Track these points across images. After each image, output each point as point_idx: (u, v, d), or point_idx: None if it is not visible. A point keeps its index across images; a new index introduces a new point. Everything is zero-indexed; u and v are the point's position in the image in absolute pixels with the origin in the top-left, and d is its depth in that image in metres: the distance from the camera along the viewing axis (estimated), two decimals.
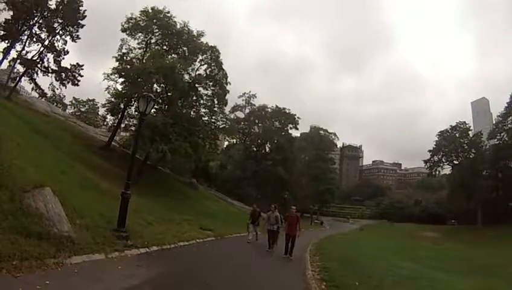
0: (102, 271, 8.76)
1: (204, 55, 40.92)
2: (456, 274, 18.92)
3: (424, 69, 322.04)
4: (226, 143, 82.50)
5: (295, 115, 72.31)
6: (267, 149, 73.12)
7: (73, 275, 7.86)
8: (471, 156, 75.99)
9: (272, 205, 19.92)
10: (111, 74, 38.17)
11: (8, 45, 39.30)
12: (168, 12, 40.99)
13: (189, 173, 46.61)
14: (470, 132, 79.08)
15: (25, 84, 45.32)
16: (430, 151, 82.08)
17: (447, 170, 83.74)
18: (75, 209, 11.53)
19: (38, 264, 7.63)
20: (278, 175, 66.35)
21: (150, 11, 40.67)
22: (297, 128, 74.45)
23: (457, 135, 78.44)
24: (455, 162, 78.50)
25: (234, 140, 75.29)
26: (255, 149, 72.68)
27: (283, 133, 71.37)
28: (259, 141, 72.60)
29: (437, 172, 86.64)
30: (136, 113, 35.54)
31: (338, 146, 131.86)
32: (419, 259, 27.17)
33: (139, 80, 35.39)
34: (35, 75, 42.73)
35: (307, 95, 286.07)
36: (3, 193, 9.27)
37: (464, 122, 79.97)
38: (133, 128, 38.68)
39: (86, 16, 42.56)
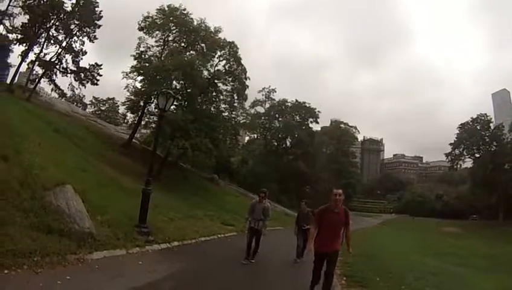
0: (123, 266, 8.77)
1: (223, 51, 40.92)
2: (477, 271, 18.65)
3: (442, 62, 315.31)
4: (247, 138, 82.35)
5: (315, 108, 71.70)
6: (288, 144, 72.61)
7: (94, 271, 7.90)
8: (492, 149, 73.59)
9: (302, 200, 15.93)
10: (130, 73, 38.68)
11: (26, 48, 39.72)
12: (185, 9, 41.12)
13: (210, 168, 46.65)
14: (491, 124, 76.49)
15: (45, 85, 45.83)
16: (451, 144, 79.79)
17: (468, 163, 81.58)
18: (97, 206, 11.65)
19: (59, 260, 7.66)
20: (299, 170, 66.06)
21: (167, 9, 40.83)
22: (317, 122, 73.68)
23: (478, 127, 75.79)
24: (476, 155, 76.15)
25: (255, 135, 75.09)
26: (275, 144, 72.22)
27: (303, 127, 70.70)
28: (279, 135, 72.12)
29: (458, 165, 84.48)
30: (156, 110, 35.73)
31: (359, 140, 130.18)
32: (441, 255, 26.88)
33: (158, 77, 35.55)
34: (54, 76, 43.14)
35: (326, 91, 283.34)
36: (24, 191, 9.44)
37: (485, 114, 77.37)
38: (153, 125, 38.97)
39: (102, 17, 42.83)
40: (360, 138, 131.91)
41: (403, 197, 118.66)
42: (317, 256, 7.90)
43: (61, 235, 8.64)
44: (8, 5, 38.77)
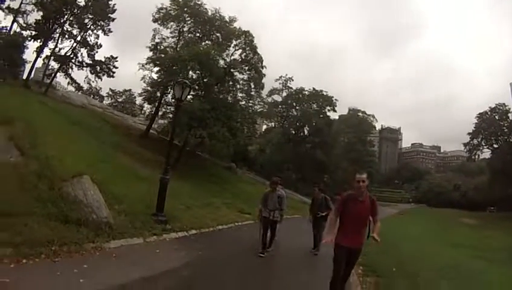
0: (140, 255, 8.89)
1: (238, 40, 40.62)
2: (496, 264, 18.38)
3: (461, 51, 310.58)
4: (265, 127, 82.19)
5: (332, 97, 70.80)
6: (306, 132, 71.97)
7: (111, 259, 8.03)
8: (511, 140, 71.47)
9: (315, 185, 14.90)
10: (146, 64, 38.67)
11: (41, 43, 40.18)
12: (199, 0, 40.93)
13: (228, 157, 46.70)
14: (509, 114, 73.55)
15: (61, 79, 46.50)
16: (469, 134, 77.72)
17: (486, 153, 79.44)
18: (115, 195, 11.80)
19: (76, 249, 7.83)
20: (317, 158, 65.67)
21: (180, 0, 40.74)
22: (335, 111, 72.43)
23: (496, 117, 73.44)
24: (495, 145, 73.98)
25: (272, 123, 74.88)
26: (293, 132, 71.65)
27: (321, 116, 69.86)
28: (297, 124, 71.54)
29: (476, 156, 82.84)
30: (173, 100, 35.85)
31: (376, 128, 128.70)
32: (458, 246, 26.60)
33: (174, 68, 35.44)
34: (70, 70, 43.74)
35: (343, 79, 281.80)
36: (42, 183, 9.63)
37: (503, 104, 74.31)
38: (170, 115, 39.03)
39: (115, 10, 43.07)
40: (377, 126, 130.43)
41: (420, 187, 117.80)
42: (339, 249, 6.65)
43: (79, 224, 8.80)
44: (21, 2, 39.35)
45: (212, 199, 23.69)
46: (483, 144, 76.41)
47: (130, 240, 9.67)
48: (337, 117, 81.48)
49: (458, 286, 10.05)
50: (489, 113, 74.61)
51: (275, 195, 11.33)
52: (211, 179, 34.75)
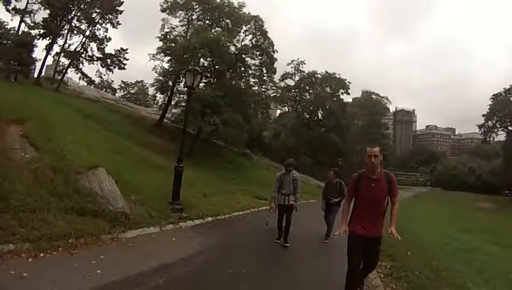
0: (157, 243, 8.97)
1: (248, 26, 40.46)
2: (509, 248, 18.24)
3: (474, 32, 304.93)
4: (279, 112, 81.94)
5: (345, 79, 69.96)
6: (320, 116, 71.43)
7: (128, 249, 8.14)
8: None
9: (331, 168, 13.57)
10: (156, 54, 38.79)
11: (50, 41, 40.69)
12: None
13: (242, 143, 46.71)
14: None
15: (72, 75, 46.90)
16: (483, 115, 76.62)
17: (501, 136, 78.47)
18: (130, 186, 11.88)
19: (93, 240, 7.94)
20: (331, 142, 65.30)
21: None
22: (348, 94, 71.51)
23: (511, 98, 72.50)
24: (510, 128, 72.80)
25: (286, 108, 74.60)
26: (307, 116, 71.19)
27: (335, 99, 69.11)
28: (311, 108, 71.01)
29: (491, 138, 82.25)
30: (185, 88, 35.94)
31: (391, 111, 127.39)
32: (473, 231, 26.49)
33: (185, 56, 35.51)
34: (80, 65, 44.17)
35: (356, 61, 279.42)
36: (57, 177, 9.77)
37: None
38: (183, 104, 39.15)
39: (123, 2, 43.22)
40: (392, 109, 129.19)
41: (435, 170, 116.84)
42: (353, 240, 5.70)
43: (95, 216, 8.93)
44: (27, 2, 39.77)
45: (227, 186, 23.83)
46: (498, 126, 75.44)
47: (147, 230, 9.76)
48: (350, 100, 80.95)
49: (472, 271, 9.95)
50: (503, 94, 73.57)
51: (289, 178, 10.65)
52: (226, 165, 34.89)
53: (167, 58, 38.50)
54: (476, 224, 31.72)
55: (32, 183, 9.15)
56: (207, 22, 41.00)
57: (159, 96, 45.50)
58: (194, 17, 41.60)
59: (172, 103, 42.85)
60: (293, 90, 69.83)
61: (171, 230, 10.56)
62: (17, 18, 40.01)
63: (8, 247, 6.63)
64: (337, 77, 69.47)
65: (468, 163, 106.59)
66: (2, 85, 25.71)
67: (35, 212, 7.97)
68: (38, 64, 41.29)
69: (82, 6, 41.11)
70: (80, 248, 7.45)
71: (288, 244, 10.34)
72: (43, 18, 40.20)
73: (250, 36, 40.79)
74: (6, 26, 41.19)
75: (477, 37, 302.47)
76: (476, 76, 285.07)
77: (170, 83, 39.17)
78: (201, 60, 35.95)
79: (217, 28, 39.85)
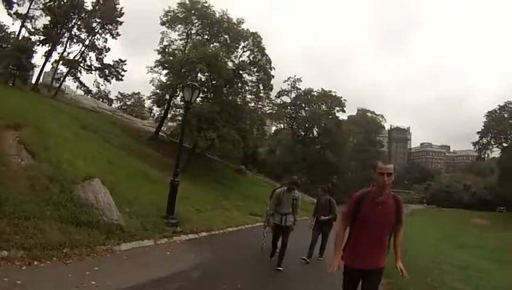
0: (151, 257, 8.93)
1: (246, 42, 40.69)
2: (507, 265, 18.25)
3: (468, 49, 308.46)
4: (274, 128, 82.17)
5: (341, 97, 70.48)
6: (315, 133, 71.90)
7: (122, 261, 8.12)
8: None
9: (320, 186, 12.71)
10: (154, 67, 39.31)
11: (49, 48, 40.65)
12: (206, 2, 40.99)
13: (237, 159, 46.72)
14: None
15: (70, 83, 46.81)
16: (478, 132, 77.94)
17: (496, 152, 79.40)
18: (125, 198, 11.92)
19: (88, 251, 7.93)
20: (326, 159, 65.53)
21: (188, 2, 40.83)
22: (344, 111, 72.04)
23: (506, 115, 73.36)
24: (504, 144, 73.86)
25: (282, 125, 74.90)
26: (302, 133, 71.44)
27: (330, 117, 69.57)
28: (306, 125, 71.31)
29: (486, 155, 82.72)
30: (182, 102, 36.05)
31: (386, 128, 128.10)
32: (468, 247, 26.55)
33: (182, 70, 35.78)
34: (78, 74, 44.18)
35: (351, 79, 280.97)
36: (53, 186, 9.77)
37: None
38: (179, 118, 39.25)
39: (123, 13, 43.33)
40: (386, 126, 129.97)
41: (430, 187, 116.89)
42: (348, 275, 4.82)
43: (90, 227, 8.90)
44: (29, 8, 39.84)
45: (222, 201, 23.81)
46: (493, 143, 76.62)
47: (141, 243, 9.76)
48: (346, 118, 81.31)
49: (468, 287, 9.93)
50: (498, 111, 74.74)
51: (290, 196, 9.72)
52: (221, 181, 34.84)
53: (165, 71, 38.82)
54: (471, 240, 31.73)
55: (28, 190, 9.14)
56: (206, 36, 41.28)
57: (156, 109, 45.63)
58: (193, 32, 41.92)
59: (169, 116, 42.79)
60: (288, 107, 70.23)
61: (166, 244, 10.53)
62: (18, 23, 40.13)
63: (1, 253, 6.63)
64: (333, 94, 70.03)
65: (463, 180, 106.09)
66: (0, 89, 25.74)
67: (30, 220, 7.96)
68: (37, 71, 41.31)
69: (83, 15, 41.26)
70: (74, 258, 7.44)
71: (281, 269, 9.30)
72: (43, 24, 40.31)
73: (248, 52, 41.00)
74: (6, 30, 41.83)
75: (472, 55, 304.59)
76: (471, 93, 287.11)
77: (167, 97, 39.23)
78: (199, 74, 36.11)
79: (215, 43, 40.10)
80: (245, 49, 40.92)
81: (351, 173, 75.89)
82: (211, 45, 39.13)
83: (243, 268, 9.45)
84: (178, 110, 40.20)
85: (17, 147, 11.31)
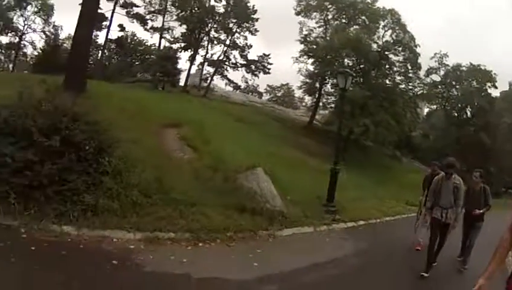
0: (311, 242, 9.21)
1: (386, 20, 38.82)
2: None
3: None
4: (426, 110, 77.62)
5: (491, 71, 63.46)
6: (468, 114, 66.34)
7: (283, 245, 8.47)
8: None
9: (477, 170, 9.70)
10: (299, 57, 39.52)
11: (192, 52, 43.06)
12: None
13: (392, 145, 45.16)
14: None
15: (217, 81, 48.82)
16: None
17: None
18: (286, 186, 12.20)
19: (251, 235, 8.43)
20: (480, 142, 59.75)
21: None
22: (496, 87, 64.38)
23: None
24: None
25: (434, 106, 70.53)
26: (455, 114, 66.58)
27: (482, 94, 63.62)
28: (459, 105, 66.06)
29: None
30: (333, 90, 36.10)
31: None
32: None
33: (328, 57, 35.68)
34: (225, 72, 46.26)
35: (498, 49, 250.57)
36: (217, 176, 10.53)
37: None
38: (332, 105, 39.19)
39: (256, 10, 43.55)
40: None
41: None
42: None
43: (254, 213, 9.37)
44: (163, 21, 43.50)
45: (378, 190, 23.23)
46: None
47: (302, 229, 10.03)
48: (498, 94, 73.20)
49: None
50: None
51: (449, 184, 7.68)
52: (376, 168, 33.97)
53: (310, 60, 38.99)
54: None
55: (192, 180, 9.94)
56: (343, 20, 40.51)
57: (307, 98, 45.91)
58: (329, 17, 41.23)
59: (320, 104, 42.90)
60: (439, 87, 65.49)
61: (325, 231, 10.68)
62: (157, 35, 44.29)
63: (168, 235, 7.39)
64: (482, 68, 63.42)
65: None
66: (153, 94, 28.10)
67: (195, 206, 8.67)
68: (184, 74, 43.91)
69: (217, 18, 42.95)
70: (238, 241, 7.95)
71: (427, 275, 7.57)
72: (181, 33, 43.21)
73: (390, 31, 38.87)
74: (146, 44, 46.60)
75: None
76: None
77: (317, 85, 39.51)
78: (346, 60, 35.63)
79: (354, 26, 39.21)
80: (386, 29, 38.86)
81: (509, 157, 67.90)
82: (351, 28, 38.41)
83: (401, 261, 9.25)
84: (329, 97, 40.32)
85: (179, 143, 12.34)
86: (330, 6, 40.55)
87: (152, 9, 44.02)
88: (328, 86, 38.37)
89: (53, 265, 5.64)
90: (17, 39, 44.83)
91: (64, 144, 7.43)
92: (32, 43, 45.73)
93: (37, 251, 5.91)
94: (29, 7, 43.43)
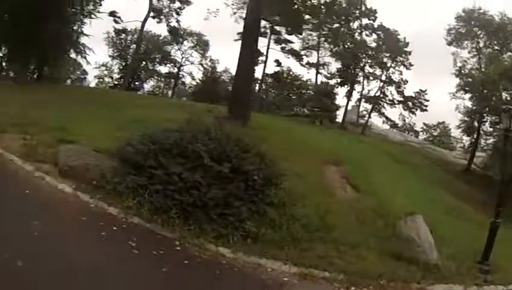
0: None
1: None
2: None
3: None
4: None
5: None
6: None
7: None
8: None
9: None
10: (456, 92, 37.57)
11: (348, 88, 43.78)
12: (480, 8, 37.61)
13: None
14: None
15: (374, 119, 48.42)
16: None
17: None
18: (442, 236, 11.72)
19: (403, 287, 8.40)
20: None
21: (463, 14, 38.35)
22: None
23: None
24: None
25: None
26: None
27: None
28: None
29: None
30: (491, 129, 34.26)
31: None
32: None
33: (484, 91, 33.10)
34: (382, 108, 45.91)
35: None
36: (379, 220, 10.86)
37: None
38: (490, 147, 36.73)
39: (408, 43, 42.77)
40: None
41: None
42: None
43: (410, 263, 9.35)
44: (317, 56, 45.48)
45: None
46: None
47: (453, 287, 9.58)
48: None
49: None
50: None
51: None
52: None
53: (467, 95, 36.83)
54: None
55: (354, 221, 10.34)
56: (496, 47, 37.53)
57: (465, 139, 43.56)
58: (481, 45, 38.46)
59: (479, 145, 40.18)
60: None
61: None
62: (312, 70, 46.36)
63: (324, 274, 7.83)
64: None
65: None
66: (311, 128, 29.08)
67: (355, 249, 9.02)
68: (341, 110, 44.46)
69: (370, 53, 42.94)
70: None
71: None
72: (337, 68, 44.47)
73: None
74: (302, 78, 49.08)
75: None
76: None
77: (475, 124, 37.25)
78: (503, 93, 32.58)
79: (508, 53, 36.21)
80: None
81: None
82: (505, 55, 35.61)
83: None
84: (488, 138, 37.75)
85: (340, 181, 12.79)
86: (479, 32, 38.10)
87: (306, 45, 46.16)
88: (487, 124, 36.06)
89: (206, 282, 6.38)
90: (176, 70, 50.81)
91: (233, 171, 8.33)
92: (190, 74, 51.51)
93: (190, 265, 6.68)
94: (185, 42, 49.25)
